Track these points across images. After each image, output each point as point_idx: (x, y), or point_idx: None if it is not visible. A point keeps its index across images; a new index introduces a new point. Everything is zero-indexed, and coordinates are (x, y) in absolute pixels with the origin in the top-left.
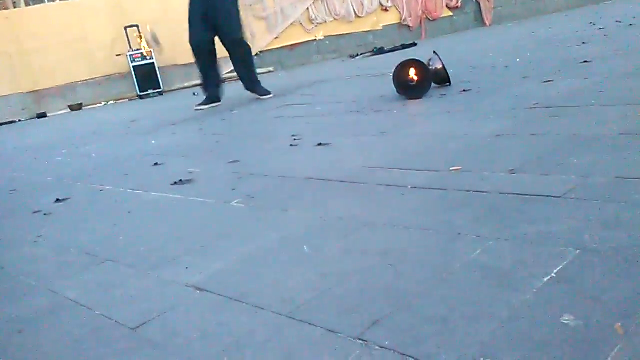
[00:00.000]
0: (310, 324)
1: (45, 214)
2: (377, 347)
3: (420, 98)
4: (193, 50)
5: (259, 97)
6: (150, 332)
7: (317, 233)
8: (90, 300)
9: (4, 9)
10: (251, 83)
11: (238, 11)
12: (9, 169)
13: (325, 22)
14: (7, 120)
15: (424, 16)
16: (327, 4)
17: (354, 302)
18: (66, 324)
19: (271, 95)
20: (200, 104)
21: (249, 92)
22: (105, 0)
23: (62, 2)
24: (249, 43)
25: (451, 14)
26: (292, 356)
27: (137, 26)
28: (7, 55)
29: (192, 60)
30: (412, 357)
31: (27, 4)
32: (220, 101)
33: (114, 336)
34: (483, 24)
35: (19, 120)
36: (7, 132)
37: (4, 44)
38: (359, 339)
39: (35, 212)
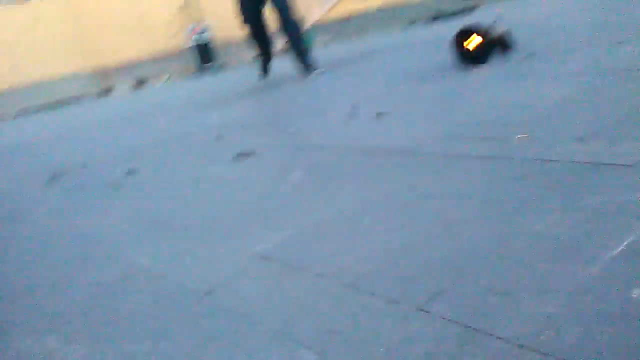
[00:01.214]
0: (372, 293)
1: (115, 186)
2: (439, 318)
3: (482, 65)
4: (249, 29)
5: (308, 73)
6: (219, 298)
7: (378, 205)
8: (162, 268)
9: None
10: (301, 61)
11: None
12: (79, 144)
13: None
14: (73, 99)
15: None
16: None
17: (415, 273)
18: (141, 290)
19: (321, 70)
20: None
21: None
22: None
23: None
24: (299, 21)
25: None
26: (356, 324)
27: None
28: (72, 35)
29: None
30: (475, 329)
31: None
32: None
33: (186, 301)
34: None
35: (85, 97)
36: (75, 108)
37: (67, 25)
38: (421, 310)
39: (106, 185)
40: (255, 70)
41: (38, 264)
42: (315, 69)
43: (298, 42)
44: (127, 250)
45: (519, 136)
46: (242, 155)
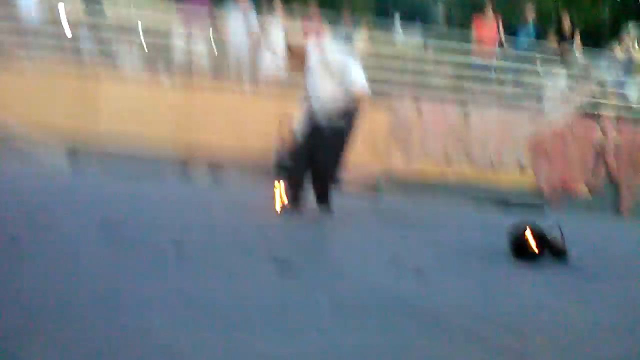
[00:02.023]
0: None
1: (159, 250)
2: None
3: (530, 262)
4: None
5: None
6: None
7: (382, 354)
8: (182, 344)
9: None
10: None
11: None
12: (140, 210)
13: (461, 163)
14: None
15: (560, 186)
16: (467, 147)
17: None
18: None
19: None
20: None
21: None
22: (273, 103)
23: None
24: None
25: (589, 194)
26: None
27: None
28: (177, 124)
29: None
30: None
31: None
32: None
33: None
34: (619, 212)
35: (166, 177)
36: (154, 184)
37: (178, 115)
38: None
39: (151, 246)
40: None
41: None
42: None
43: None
44: (149, 315)
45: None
46: (285, 269)
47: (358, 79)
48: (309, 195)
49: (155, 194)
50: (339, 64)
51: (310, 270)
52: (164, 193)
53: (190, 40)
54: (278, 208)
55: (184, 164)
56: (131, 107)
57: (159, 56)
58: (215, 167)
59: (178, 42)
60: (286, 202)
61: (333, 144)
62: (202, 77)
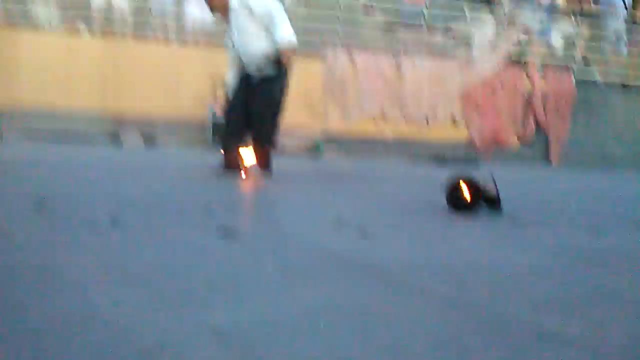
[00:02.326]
0: None
1: (98, 229)
2: None
3: (468, 214)
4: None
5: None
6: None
7: (336, 314)
8: (114, 318)
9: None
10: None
11: (278, 95)
12: (77, 180)
13: (397, 121)
14: (85, 136)
15: (492, 140)
16: (403, 105)
17: None
18: (89, 334)
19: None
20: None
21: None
22: (203, 54)
23: (165, 47)
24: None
25: (519, 145)
26: None
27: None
28: (102, 75)
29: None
30: None
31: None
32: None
33: (127, 355)
34: (549, 162)
35: (96, 138)
36: (82, 146)
37: (104, 66)
38: None
39: (89, 225)
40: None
41: (5, 285)
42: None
43: (269, 145)
44: (91, 294)
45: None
46: (226, 233)
47: (284, 31)
48: (249, 156)
49: (86, 162)
50: (263, 13)
51: (254, 234)
52: (95, 160)
53: None
54: (217, 171)
55: (113, 125)
56: (51, 63)
57: (78, 9)
58: (147, 128)
59: None
60: (225, 164)
61: (267, 99)
62: (125, 28)
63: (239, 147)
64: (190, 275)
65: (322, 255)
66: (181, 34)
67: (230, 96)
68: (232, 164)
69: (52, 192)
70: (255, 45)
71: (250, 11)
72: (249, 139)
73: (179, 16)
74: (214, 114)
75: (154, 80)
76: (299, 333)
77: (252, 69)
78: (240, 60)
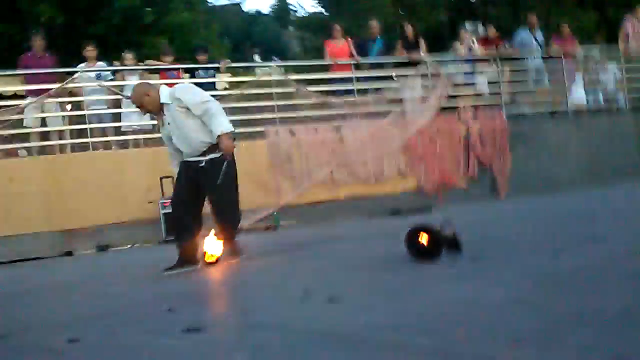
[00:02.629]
0: None
1: (56, 354)
2: None
3: (432, 262)
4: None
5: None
6: None
7: None
8: None
9: (50, 154)
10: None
11: (231, 179)
12: (27, 305)
13: (347, 183)
14: (35, 256)
15: (440, 185)
16: (350, 168)
17: None
18: None
19: (244, 256)
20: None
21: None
22: (145, 152)
23: (106, 151)
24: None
25: (466, 185)
26: None
27: (172, 177)
28: (45, 194)
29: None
30: None
31: (72, 150)
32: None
33: None
34: (497, 196)
35: (46, 257)
36: (34, 268)
37: (45, 185)
38: None
39: (46, 351)
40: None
41: None
42: (243, 254)
43: (232, 229)
44: None
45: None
46: (192, 330)
47: (221, 123)
48: (213, 244)
49: (39, 282)
50: (200, 111)
51: (220, 325)
52: (48, 278)
53: (43, 108)
54: (175, 267)
55: (63, 240)
56: None
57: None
58: (98, 236)
59: (30, 114)
60: (182, 258)
61: (217, 183)
62: (62, 142)
63: (194, 238)
64: None
65: (293, 332)
66: (120, 138)
67: (176, 189)
68: (189, 257)
69: (9, 320)
70: (194, 136)
71: (187, 109)
72: (210, 227)
73: (116, 121)
74: (164, 210)
75: (98, 187)
76: None
77: (194, 158)
78: (180, 153)
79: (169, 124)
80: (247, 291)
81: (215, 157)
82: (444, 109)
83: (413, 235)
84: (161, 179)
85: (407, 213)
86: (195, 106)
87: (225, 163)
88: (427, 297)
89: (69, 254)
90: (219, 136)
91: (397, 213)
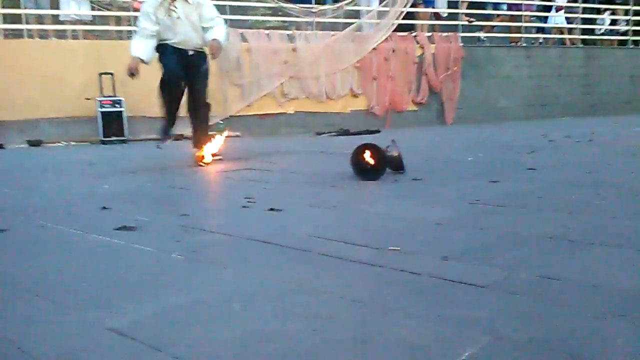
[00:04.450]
0: None
1: None
2: None
3: (374, 180)
4: (165, 79)
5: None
6: None
7: (252, 293)
8: (9, 333)
9: None
10: (203, 142)
11: (208, 72)
12: None
13: (298, 98)
14: None
15: (390, 107)
16: (302, 82)
17: None
18: None
19: (212, 160)
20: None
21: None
22: (84, 44)
23: (41, 40)
24: (211, 106)
25: (416, 108)
26: None
27: (112, 74)
28: None
29: (159, 112)
30: None
31: (5, 37)
32: (171, 138)
33: None
34: (444, 122)
35: None
36: None
37: None
38: None
39: None
40: (163, 149)
41: None
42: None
43: (207, 124)
44: None
45: (391, 248)
46: (125, 228)
47: (220, 33)
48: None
49: None
50: (210, 16)
51: (157, 226)
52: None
53: None
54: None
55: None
56: None
57: None
58: (31, 129)
59: None
60: (164, 129)
61: (203, 75)
62: None
63: (177, 112)
64: (86, 275)
65: (232, 238)
66: (58, 27)
67: (169, 63)
68: (169, 128)
69: None
70: (194, 36)
71: (202, 11)
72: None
73: (54, 9)
74: (102, 109)
75: (33, 79)
76: (214, 318)
77: (189, 49)
78: (177, 43)
79: (178, 17)
80: (187, 197)
81: (201, 51)
82: (400, 27)
83: (359, 153)
84: (100, 75)
85: (355, 133)
86: (211, 15)
87: (207, 59)
88: (368, 213)
89: (0, 147)
90: (215, 40)
91: (346, 132)
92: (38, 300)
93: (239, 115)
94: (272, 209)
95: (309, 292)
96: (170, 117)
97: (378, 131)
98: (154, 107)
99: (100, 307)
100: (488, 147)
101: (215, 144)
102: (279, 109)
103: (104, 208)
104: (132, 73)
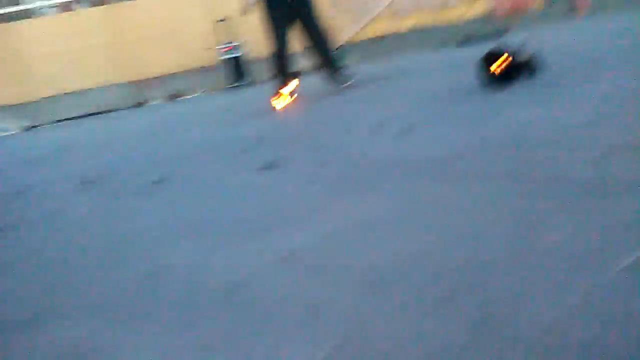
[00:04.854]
0: (385, 296)
1: (145, 193)
2: (449, 320)
3: (508, 87)
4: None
5: (340, 85)
6: (242, 295)
7: (400, 215)
8: (190, 266)
9: (101, 4)
10: (330, 71)
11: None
12: (112, 152)
13: (410, 13)
14: (108, 109)
15: (514, 6)
16: None
17: (428, 280)
18: (170, 286)
19: (351, 82)
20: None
21: (329, 81)
22: None
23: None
24: (326, 31)
25: (543, 4)
26: (367, 326)
27: (227, 20)
28: (109, 46)
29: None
30: (482, 330)
31: None
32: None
33: (212, 296)
34: (577, 13)
35: (120, 108)
36: (110, 118)
37: (107, 36)
38: (431, 313)
39: (136, 191)
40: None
41: (74, 261)
42: (347, 80)
43: (327, 51)
44: (157, 251)
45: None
46: (267, 166)
47: None
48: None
49: (118, 130)
50: None
51: (294, 160)
52: (125, 127)
53: None
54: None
55: (133, 90)
56: (57, 49)
57: None
58: (166, 84)
59: None
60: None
61: (307, 13)
62: None
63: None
64: (242, 212)
65: (367, 163)
66: None
67: (277, 32)
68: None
69: (96, 166)
70: None
71: None
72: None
73: None
74: (224, 56)
75: (157, 36)
76: (367, 241)
77: None
78: None
79: None
80: (319, 128)
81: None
82: None
83: (487, 61)
84: (217, 22)
85: (477, 41)
86: None
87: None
88: (504, 123)
89: (140, 104)
90: None
91: (467, 42)
92: (208, 236)
93: (354, 43)
94: (403, 131)
95: (453, 209)
96: (283, 71)
97: (503, 34)
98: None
99: (259, 239)
100: (631, 37)
101: (293, 84)
102: (393, 28)
103: (245, 149)
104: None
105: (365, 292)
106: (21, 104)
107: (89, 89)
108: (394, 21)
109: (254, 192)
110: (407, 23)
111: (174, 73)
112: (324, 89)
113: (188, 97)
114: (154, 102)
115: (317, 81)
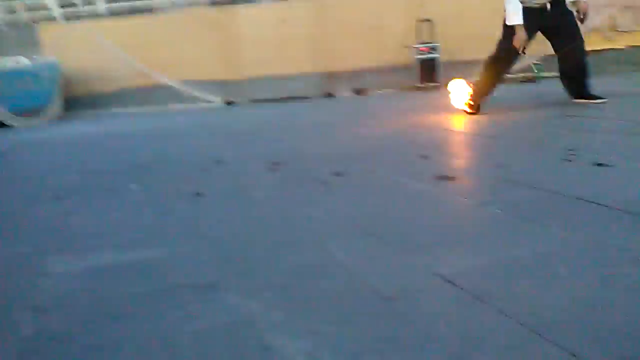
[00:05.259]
0: (554, 343)
1: (325, 183)
2: None
3: None
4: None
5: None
6: (399, 306)
7: (576, 256)
8: (353, 264)
9: None
10: (579, 83)
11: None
12: (298, 138)
13: (631, 30)
14: (301, 95)
15: None
16: (636, 12)
17: (602, 334)
18: (333, 279)
19: (600, 101)
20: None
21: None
22: None
23: None
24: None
25: None
26: None
27: (430, 20)
28: (311, 37)
29: (475, 56)
30: None
31: None
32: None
33: (369, 300)
34: None
35: (310, 97)
36: (301, 106)
37: (311, 28)
38: None
39: (316, 180)
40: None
41: (254, 237)
42: (597, 99)
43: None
44: (326, 243)
45: None
46: (444, 178)
47: None
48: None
49: (306, 118)
50: None
51: (472, 176)
52: (313, 116)
53: None
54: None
55: (325, 82)
56: (267, 35)
57: None
58: (356, 79)
59: None
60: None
61: (570, 31)
62: None
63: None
64: (412, 222)
65: (554, 195)
66: None
67: (523, 42)
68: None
69: (284, 150)
70: None
71: None
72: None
73: None
74: (420, 55)
75: (358, 32)
76: (537, 278)
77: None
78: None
79: None
80: (503, 145)
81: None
82: None
83: None
84: (419, 22)
85: None
86: None
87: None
88: None
89: (330, 95)
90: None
91: None
92: (376, 239)
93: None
94: (598, 164)
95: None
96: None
97: None
98: (468, 51)
99: (426, 253)
100: None
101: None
102: (609, 44)
103: (424, 157)
104: (524, 48)
105: (529, 335)
106: (226, 80)
107: (287, 74)
108: (610, 37)
109: (424, 202)
110: (625, 40)
111: (366, 68)
112: (513, 103)
113: (379, 92)
114: (343, 95)
115: (512, 89)
